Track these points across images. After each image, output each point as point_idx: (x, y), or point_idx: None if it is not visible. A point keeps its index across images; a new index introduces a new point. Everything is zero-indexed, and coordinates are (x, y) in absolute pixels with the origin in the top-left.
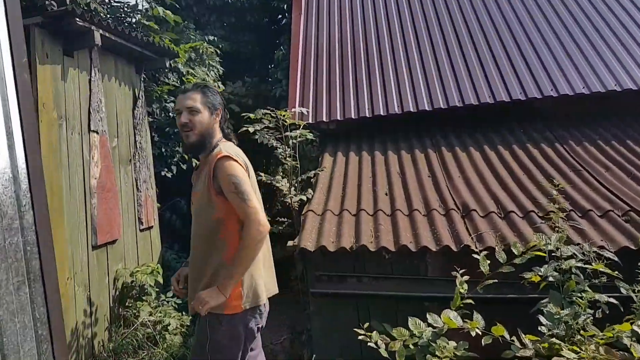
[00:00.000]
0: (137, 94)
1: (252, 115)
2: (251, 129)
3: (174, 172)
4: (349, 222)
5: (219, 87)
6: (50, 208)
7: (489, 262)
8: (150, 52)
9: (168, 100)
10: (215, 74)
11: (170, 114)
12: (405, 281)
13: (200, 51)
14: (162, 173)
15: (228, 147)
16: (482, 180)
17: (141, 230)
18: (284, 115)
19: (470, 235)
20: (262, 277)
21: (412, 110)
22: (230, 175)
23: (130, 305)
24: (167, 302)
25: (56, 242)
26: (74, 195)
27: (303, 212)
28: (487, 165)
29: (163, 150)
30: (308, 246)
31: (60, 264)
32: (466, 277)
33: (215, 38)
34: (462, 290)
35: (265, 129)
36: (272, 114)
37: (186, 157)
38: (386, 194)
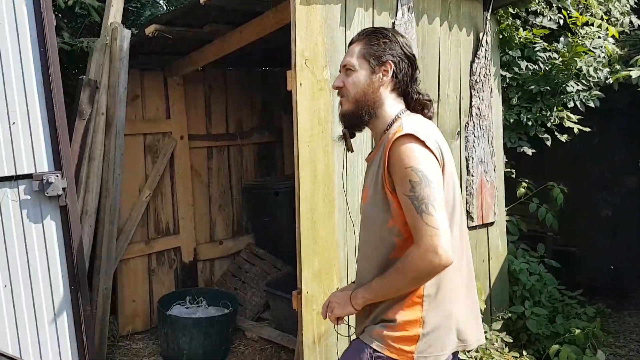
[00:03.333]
0: (480, 40)
1: None
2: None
3: (542, 148)
4: None
5: (630, 23)
6: (312, 199)
7: None
8: None
9: (536, 49)
10: (626, 4)
11: (540, 65)
12: None
13: None
14: (520, 149)
15: (412, 122)
16: None
17: (470, 228)
18: None
19: None
20: (459, 316)
21: None
22: (409, 168)
23: None
24: (495, 336)
25: (322, 246)
26: (354, 181)
27: None
28: None
29: (523, 117)
30: None
31: (326, 271)
32: None
33: None
34: None
35: None
36: None
37: (568, 125)
38: None
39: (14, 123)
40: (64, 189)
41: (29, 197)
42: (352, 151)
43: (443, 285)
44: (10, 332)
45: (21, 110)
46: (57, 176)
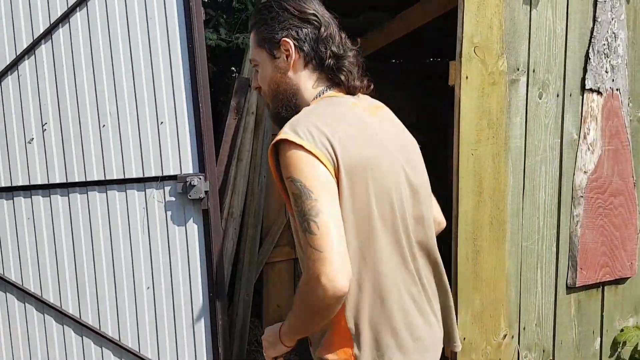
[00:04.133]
0: None
1: None
2: None
3: None
4: None
5: None
6: (475, 221)
7: None
8: None
9: None
10: None
11: None
12: None
13: None
14: None
15: (301, 116)
16: None
17: None
18: None
19: None
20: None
21: None
22: (288, 179)
23: None
24: None
25: (486, 281)
26: (535, 200)
27: None
28: None
29: None
30: None
31: (491, 313)
32: None
33: None
34: None
35: None
36: None
37: None
38: None
39: (162, 122)
40: (206, 192)
41: (173, 199)
42: None
43: (370, 313)
44: (150, 335)
45: (169, 109)
46: (200, 179)
